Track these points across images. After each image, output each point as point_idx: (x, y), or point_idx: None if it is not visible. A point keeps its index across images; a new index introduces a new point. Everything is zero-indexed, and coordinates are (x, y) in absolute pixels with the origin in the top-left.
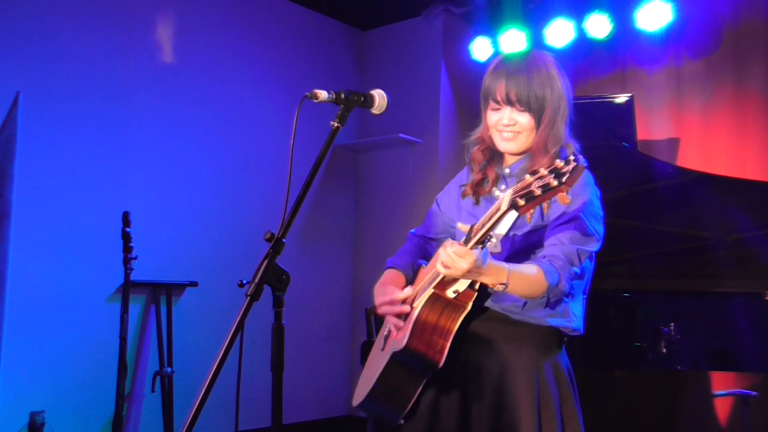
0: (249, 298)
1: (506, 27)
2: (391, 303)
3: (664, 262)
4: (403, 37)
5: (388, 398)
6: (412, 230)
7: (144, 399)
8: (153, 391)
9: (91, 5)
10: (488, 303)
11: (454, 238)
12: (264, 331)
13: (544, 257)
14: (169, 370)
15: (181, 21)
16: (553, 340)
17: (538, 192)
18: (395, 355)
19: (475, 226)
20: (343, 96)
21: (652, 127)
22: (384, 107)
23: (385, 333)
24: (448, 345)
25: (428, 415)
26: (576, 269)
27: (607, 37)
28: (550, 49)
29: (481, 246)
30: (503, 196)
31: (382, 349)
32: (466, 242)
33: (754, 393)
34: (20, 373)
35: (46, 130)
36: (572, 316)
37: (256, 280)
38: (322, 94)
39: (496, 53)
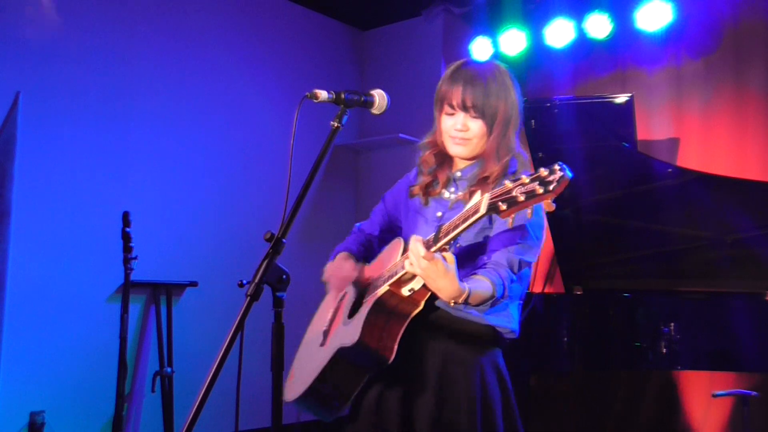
0: (249, 298)
1: (506, 27)
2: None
3: (664, 262)
4: (403, 37)
5: (328, 393)
6: (358, 224)
7: (144, 399)
8: (153, 391)
9: (91, 5)
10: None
11: (398, 236)
12: (264, 331)
13: (490, 264)
14: (169, 370)
15: (181, 21)
16: (492, 340)
17: (522, 198)
18: (343, 351)
19: (444, 227)
20: (343, 96)
21: (652, 127)
22: (384, 107)
23: (324, 328)
24: (398, 341)
25: (373, 411)
26: (514, 277)
27: (607, 37)
28: (550, 49)
29: (448, 247)
30: (479, 199)
31: (322, 345)
32: (435, 241)
33: (754, 393)
34: (20, 373)
35: (46, 130)
36: (511, 318)
37: (256, 280)
38: (322, 94)
39: (496, 53)
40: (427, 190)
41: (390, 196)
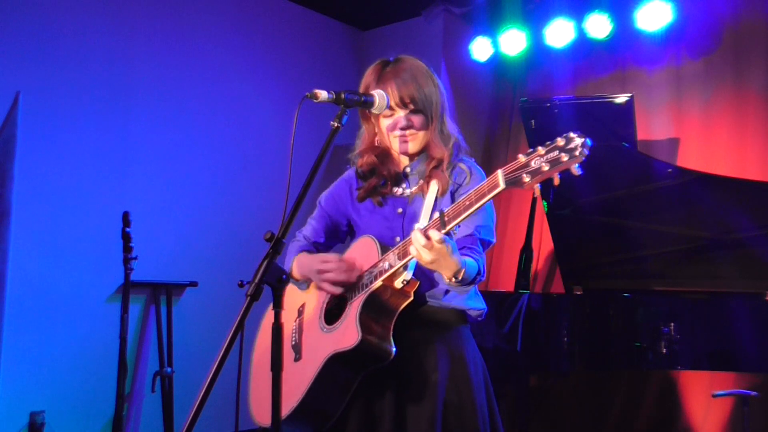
0: (249, 298)
1: (506, 27)
2: (339, 267)
3: (664, 262)
4: (403, 37)
5: (318, 407)
6: (299, 232)
7: (144, 399)
8: (153, 391)
9: (91, 5)
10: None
11: (342, 241)
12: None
13: (466, 248)
14: (169, 370)
15: (181, 21)
16: (465, 322)
17: (546, 167)
18: (338, 356)
19: (450, 210)
20: (343, 96)
21: (652, 127)
22: (384, 107)
23: (292, 343)
24: (391, 333)
25: (363, 417)
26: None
27: (607, 37)
28: (550, 49)
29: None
30: (493, 175)
31: (297, 360)
32: (443, 225)
33: (754, 393)
34: (20, 373)
35: (46, 130)
36: (480, 298)
37: (256, 280)
38: (322, 94)
39: (496, 53)
40: (380, 189)
41: (329, 201)
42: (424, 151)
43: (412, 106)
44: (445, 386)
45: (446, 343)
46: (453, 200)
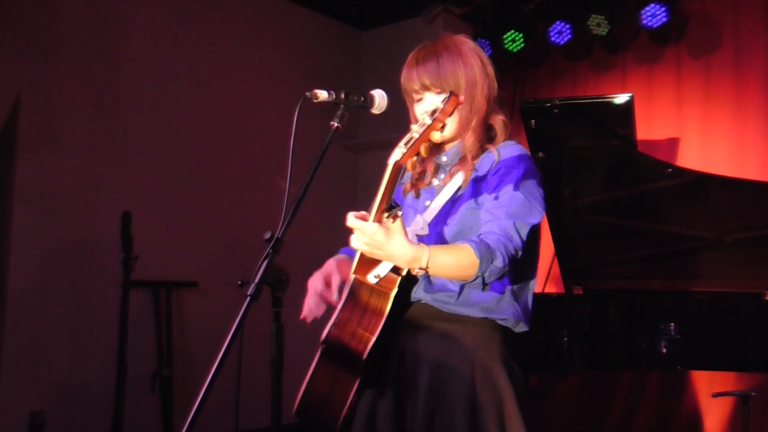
0: (249, 298)
1: (506, 27)
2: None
3: (664, 262)
4: (403, 37)
5: (321, 402)
6: None
7: (144, 399)
8: (153, 391)
9: (91, 5)
10: (420, 294)
11: None
12: (264, 331)
13: (479, 235)
14: (168, 370)
15: (181, 21)
16: (491, 337)
17: (416, 135)
18: (322, 351)
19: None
20: (342, 96)
21: (652, 127)
22: (384, 107)
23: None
24: (374, 337)
25: (366, 422)
26: (515, 245)
27: (607, 36)
28: (549, 49)
29: (388, 217)
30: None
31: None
32: (369, 210)
33: (754, 393)
34: (20, 373)
35: (46, 130)
36: (512, 309)
37: (256, 280)
38: (322, 94)
39: (496, 53)
40: (418, 182)
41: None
42: (460, 135)
43: (434, 89)
44: (432, 406)
45: (449, 355)
46: (475, 191)
